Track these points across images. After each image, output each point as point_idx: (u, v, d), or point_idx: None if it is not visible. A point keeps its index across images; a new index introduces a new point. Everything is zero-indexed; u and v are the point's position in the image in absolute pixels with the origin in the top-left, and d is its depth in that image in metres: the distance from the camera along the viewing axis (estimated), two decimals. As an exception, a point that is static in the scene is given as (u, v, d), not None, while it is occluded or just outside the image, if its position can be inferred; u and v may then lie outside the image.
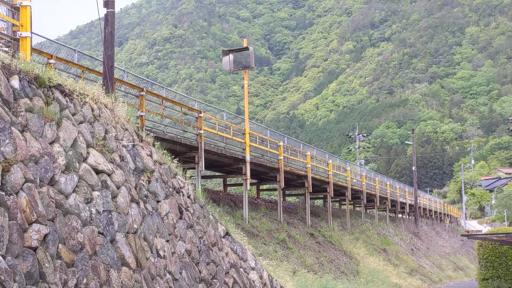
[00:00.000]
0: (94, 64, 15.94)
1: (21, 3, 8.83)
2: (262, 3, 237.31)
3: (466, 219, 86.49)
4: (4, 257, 6.05)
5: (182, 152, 18.48)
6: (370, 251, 31.47)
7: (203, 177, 23.31)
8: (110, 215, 8.58)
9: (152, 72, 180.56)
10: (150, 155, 11.01)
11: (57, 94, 8.22)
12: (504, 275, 23.85)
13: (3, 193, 6.35)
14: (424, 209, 57.53)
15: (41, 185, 7.16)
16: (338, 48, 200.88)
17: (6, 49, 8.76)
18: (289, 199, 42.32)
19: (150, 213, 10.04)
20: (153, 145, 11.49)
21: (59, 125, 8.02)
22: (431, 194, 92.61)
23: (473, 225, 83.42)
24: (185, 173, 15.81)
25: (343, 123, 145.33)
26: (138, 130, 11.43)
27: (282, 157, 25.29)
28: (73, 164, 8.04)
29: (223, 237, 13.70)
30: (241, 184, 25.76)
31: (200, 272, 11.54)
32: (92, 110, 9.19)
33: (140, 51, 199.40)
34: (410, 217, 52.78)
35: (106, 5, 12.45)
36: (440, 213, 65.92)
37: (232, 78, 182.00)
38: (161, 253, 9.92)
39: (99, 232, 8.15)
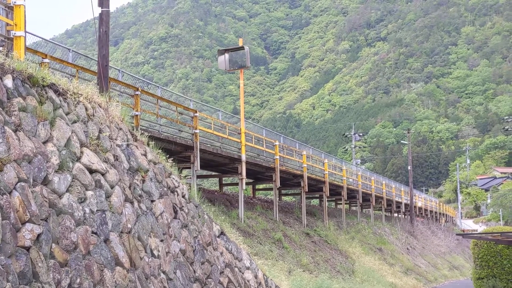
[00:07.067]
0: (89, 63, 15.91)
1: (15, 2, 8.80)
2: (259, 3, 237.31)
3: (461, 218, 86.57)
4: (-3, 256, 6.03)
5: (178, 152, 18.47)
6: (365, 250, 31.51)
7: (199, 176, 23.29)
8: (104, 215, 8.56)
9: (148, 71, 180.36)
10: (145, 155, 10.99)
11: (51, 93, 8.20)
12: (499, 274, 23.89)
13: (-4, 192, 6.33)
14: (420, 208, 57.61)
15: (34, 185, 7.13)
16: (334, 47, 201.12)
17: (0, 48, 8.74)
18: (285, 198, 42.31)
19: (144, 212, 10.02)
20: (148, 145, 11.46)
21: (52, 125, 8.00)
22: (427, 193, 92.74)
23: (469, 224, 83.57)
24: (180, 173, 15.78)
25: (340, 123, 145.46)
26: (133, 129, 11.40)
27: (278, 157, 25.29)
28: (67, 163, 8.02)
29: (218, 236, 13.69)
30: (237, 184, 25.74)
31: (194, 271, 11.53)
32: (86, 109, 9.16)
33: (136, 51, 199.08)
34: (405, 217, 52.84)
35: (100, 4, 12.39)
36: (435, 212, 66.04)
37: (228, 78, 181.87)
38: (156, 252, 9.91)
39: (92, 232, 8.13)
